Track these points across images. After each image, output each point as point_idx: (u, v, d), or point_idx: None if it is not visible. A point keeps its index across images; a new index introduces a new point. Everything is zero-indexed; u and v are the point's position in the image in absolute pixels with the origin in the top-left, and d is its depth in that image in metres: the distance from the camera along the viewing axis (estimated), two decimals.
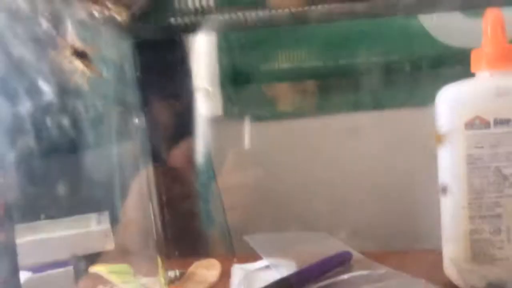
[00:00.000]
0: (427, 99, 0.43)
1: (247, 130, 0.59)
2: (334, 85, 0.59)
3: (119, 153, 0.43)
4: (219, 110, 0.59)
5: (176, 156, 0.52)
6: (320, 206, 0.57)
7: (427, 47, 0.56)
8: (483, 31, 0.41)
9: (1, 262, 0.25)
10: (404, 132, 0.57)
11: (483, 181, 0.41)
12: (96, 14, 0.23)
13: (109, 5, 0.23)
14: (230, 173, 0.55)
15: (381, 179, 0.57)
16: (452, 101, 0.41)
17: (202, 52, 0.55)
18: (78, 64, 0.25)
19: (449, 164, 0.42)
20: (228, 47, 0.57)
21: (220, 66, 0.57)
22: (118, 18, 0.24)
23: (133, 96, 0.45)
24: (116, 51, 0.40)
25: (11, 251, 0.25)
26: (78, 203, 0.40)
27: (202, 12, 0.43)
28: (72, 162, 0.39)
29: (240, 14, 0.44)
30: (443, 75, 0.53)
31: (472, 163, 0.41)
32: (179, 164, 0.52)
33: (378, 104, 0.58)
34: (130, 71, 0.45)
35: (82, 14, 0.24)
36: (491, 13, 0.40)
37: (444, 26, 0.56)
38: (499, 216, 0.41)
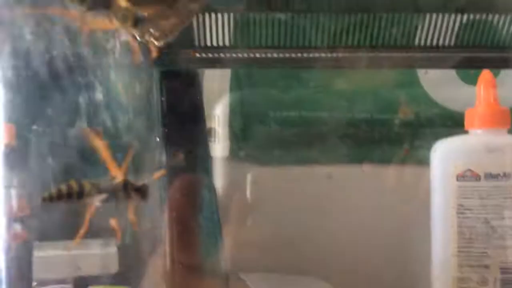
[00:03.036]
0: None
1: (251, 173, 0.61)
2: (339, 136, 0.62)
3: None
4: (225, 151, 0.62)
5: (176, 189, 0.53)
6: (315, 252, 0.59)
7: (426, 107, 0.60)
8: (476, 92, 0.45)
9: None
10: (401, 186, 0.60)
11: (472, 231, 0.43)
12: (138, 38, 0.26)
13: (152, 31, 0.25)
14: (231, 212, 0.57)
15: (375, 228, 0.59)
16: (446, 153, 0.45)
17: (214, 90, 0.59)
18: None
19: (441, 213, 0.44)
20: (238, 88, 0.60)
21: (229, 106, 0.61)
22: (157, 44, 0.26)
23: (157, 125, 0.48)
24: (144, 77, 0.44)
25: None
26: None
27: (217, 48, 0.46)
28: None
29: (254, 53, 0.47)
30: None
31: (462, 213, 0.43)
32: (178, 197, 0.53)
33: (380, 159, 0.61)
34: (156, 98, 0.48)
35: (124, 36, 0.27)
36: (484, 76, 0.44)
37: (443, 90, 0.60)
38: (486, 267, 0.43)
